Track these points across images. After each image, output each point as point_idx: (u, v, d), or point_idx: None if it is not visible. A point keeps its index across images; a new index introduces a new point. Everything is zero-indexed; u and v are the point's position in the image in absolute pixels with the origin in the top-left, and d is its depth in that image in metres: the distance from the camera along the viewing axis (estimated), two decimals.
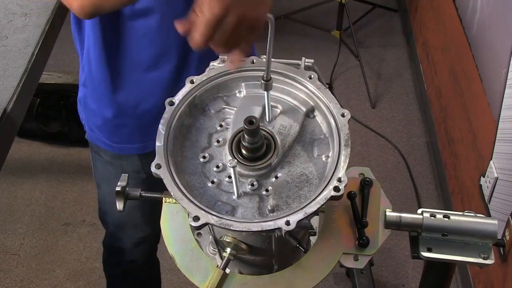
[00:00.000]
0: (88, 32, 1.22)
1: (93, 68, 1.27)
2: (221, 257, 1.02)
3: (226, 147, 0.91)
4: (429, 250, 0.98)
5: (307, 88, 0.95)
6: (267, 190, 0.88)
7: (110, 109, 1.31)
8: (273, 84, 0.95)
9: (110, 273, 1.81)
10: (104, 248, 1.75)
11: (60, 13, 1.71)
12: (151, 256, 1.75)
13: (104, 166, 1.46)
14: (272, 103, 0.95)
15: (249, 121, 0.85)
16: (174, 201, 0.99)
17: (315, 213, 0.83)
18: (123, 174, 1.02)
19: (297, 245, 1.01)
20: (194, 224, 0.81)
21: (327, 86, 1.01)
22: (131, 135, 1.35)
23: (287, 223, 0.80)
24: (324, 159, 0.91)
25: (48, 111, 2.69)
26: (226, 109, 0.97)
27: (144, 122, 1.32)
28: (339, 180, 0.84)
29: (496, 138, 1.88)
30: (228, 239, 0.95)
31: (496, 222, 0.97)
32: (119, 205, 1.00)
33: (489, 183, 1.92)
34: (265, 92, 0.90)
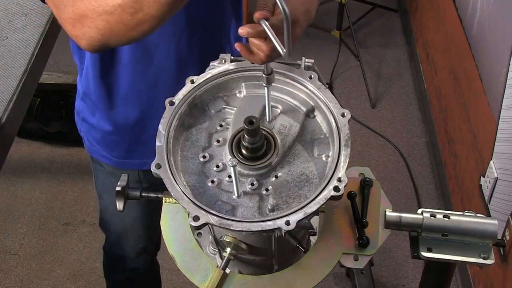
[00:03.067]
0: (87, 52, 1.22)
1: (91, 86, 1.26)
2: (221, 257, 1.02)
3: (226, 147, 0.91)
4: (429, 250, 0.98)
5: (307, 88, 0.95)
6: (267, 190, 0.88)
7: (109, 125, 1.31)
8: (274, 84, 0.95)
9: (111, 279, 1.80)
10: (105, 254, 1.74)
11: None
12: (152, 262, 1.75)
13: (105, 176, 1.45)
14: (272, 103, 0.95)
15: (249, 121, 0.85)
16: (174, 201, 0.99)
17: (315, 213, 0.83)
18: (123, 174, 1.02)
19: (297, 245, 1.01)
20: (194, 224, 0.81)
21: (327, 86, 1.01)
22: (129, 151, 1.35)
23: (287, 223, 0.80)
24: (324, 158, 0.91)
25: (48, 111, 2.69)
26: (226, 109, 0.97)
27: (143, 139, 1.31)
28: (339, 180, 0.84)
29: (496, 138, 1.88)
30: (228, 239, 0.95)
31: (496, 222, 0.97)
32: (119, 205, 1.00)
33: (489, 183, 1.92)
34: (265, 88, 0.90)
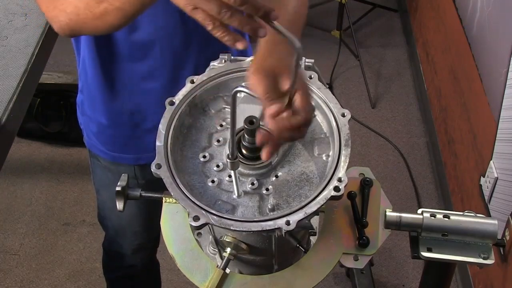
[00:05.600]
0: (83, 43, 1.22)
1: (89, 78, 1.27)
2: (221, 257, 1.02)
3: (227, 147, 0.91)
4: (429, 250, 0.98)
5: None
6: (267, 189, 0.88)
7: (105, 118, 1.31)
8: None
9: (110, 276, 1.81)
10: (104, 251, 1.75)
11: None
12: (151, 260, 1.75)
13: (102, 171, 1.46)
14: None
15: (250, 121, 0.85)
16: (174, 201, 0.99)
17: (315, 213, 0.83)
18: (123, 174, 1.02)
19: (297, 245, 1.01)
20: (194, 224, 0.81)
21: (327, 86, 1.01)
22: (125, 145, 1.36)
23: (287, 223, 0.80)
24: (324, 158, 0.91)
25: (48, 111, 2.69)
26: (226, 109, 0.97)
27: (138, 133, 1.32)
28: (339, 180, 0.84)
29: (496, 138, 1.88)
30: (228, 239, 0.95)
31: (496, 222, 0.97)
32: (119, 205, 1.00)
33: (489, 183, 1.92)
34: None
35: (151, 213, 1.48)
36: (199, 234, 1.07)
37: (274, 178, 0.89)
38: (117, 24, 0.93)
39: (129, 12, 0.89)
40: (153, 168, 0.85)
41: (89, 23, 0.94)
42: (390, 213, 0.99)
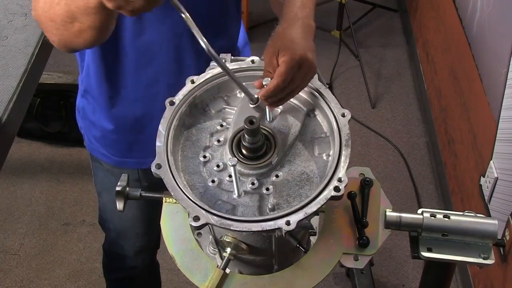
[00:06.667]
0: (88, 50, 1.22)
1: (92, 83, 1.27)
2: (221, 257, 1.02)
3: (227, 146, 0.91)
4: (429, 250, 0.98)
5: (307, 87, 0.95)
6: (267, 189, 0.88)
7: (109, 123, 1.31)
8: None
9: (110, 277, 1.80)
10: (104, 252, 1.75)
11: None
12: (151, 261, 1.75)
13: (105, 174, 1.45)
14: None
15: (250, 121, 0.85)
16: (174, 201, 0.99)
17: (315, 213, 0.83)
18: (123, 174, 1.02)
19: (297, 245, 1.01)
20: (194, 224, 0.81)
21: (327, 86, 1.01)
22: (129, 150, 1.36)
23: (287, 223, 0.80)
24: (325, 157, 0.91)
25: (48, 111, 2.69)
26: (226, 109, 0.97)
27: (143, 138, 1.32)
28: (340, 180, 0.84)
29: (496, 138, 1.88)
30: (228, 239, 0.95)
31: (496, 222, 0.97)
32: (119, 205, 1.00)
33: (489, 183, 1.92)
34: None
35: (152, 214, 1.48)
36: (199, 234, 1.07)
37: (274, 178, 0.90)
38: (95, 40, 0.95)
39: (102, 28, 0.91)
40: (153, 168, 0.85)
41: (73, 41, 0.96)
42: (390, 213, 0.99)
